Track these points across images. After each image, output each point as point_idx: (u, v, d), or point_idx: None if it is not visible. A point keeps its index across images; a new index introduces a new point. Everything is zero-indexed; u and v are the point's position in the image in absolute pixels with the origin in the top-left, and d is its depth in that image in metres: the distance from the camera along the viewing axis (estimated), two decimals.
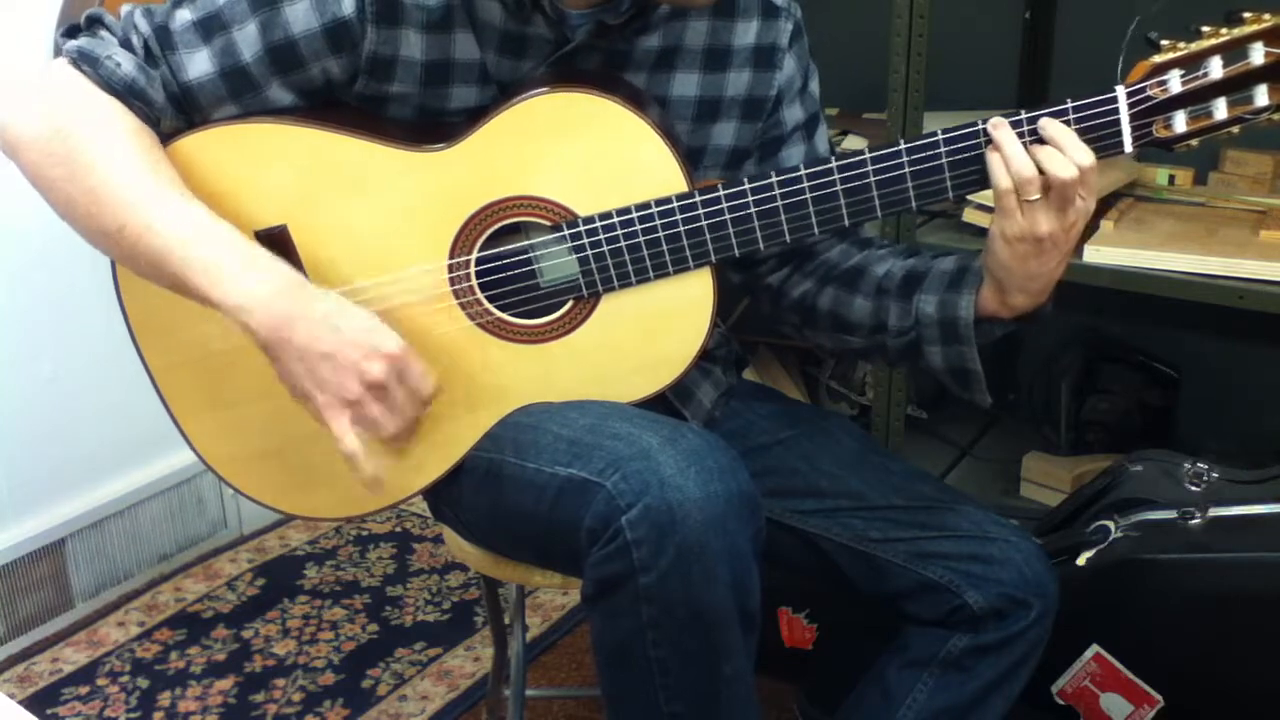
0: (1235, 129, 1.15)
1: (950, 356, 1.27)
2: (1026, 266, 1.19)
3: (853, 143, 2.12)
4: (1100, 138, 1.15)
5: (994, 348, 1.30)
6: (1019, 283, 1.21)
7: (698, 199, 1.22)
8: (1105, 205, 1.83)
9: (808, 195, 1.21)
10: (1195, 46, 1.13)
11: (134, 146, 1.16)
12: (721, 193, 1.22)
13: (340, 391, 1.14)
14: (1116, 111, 1.14)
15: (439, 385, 1.20)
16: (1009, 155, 1.14)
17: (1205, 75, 1.13)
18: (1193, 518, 1.56)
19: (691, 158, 1.30)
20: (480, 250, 1.25)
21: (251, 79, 1.20)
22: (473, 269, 1.25)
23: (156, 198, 1.14)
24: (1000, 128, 1.15)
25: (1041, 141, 1.15)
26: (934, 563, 1.32)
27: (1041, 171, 1.13)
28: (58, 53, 1.22)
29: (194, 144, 1.22)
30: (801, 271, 1.41)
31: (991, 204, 1.78)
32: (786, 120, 1.37)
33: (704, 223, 1.22)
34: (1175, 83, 1.14)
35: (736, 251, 1.24)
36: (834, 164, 1.20)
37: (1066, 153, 1.13)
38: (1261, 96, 1.13)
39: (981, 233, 1.76)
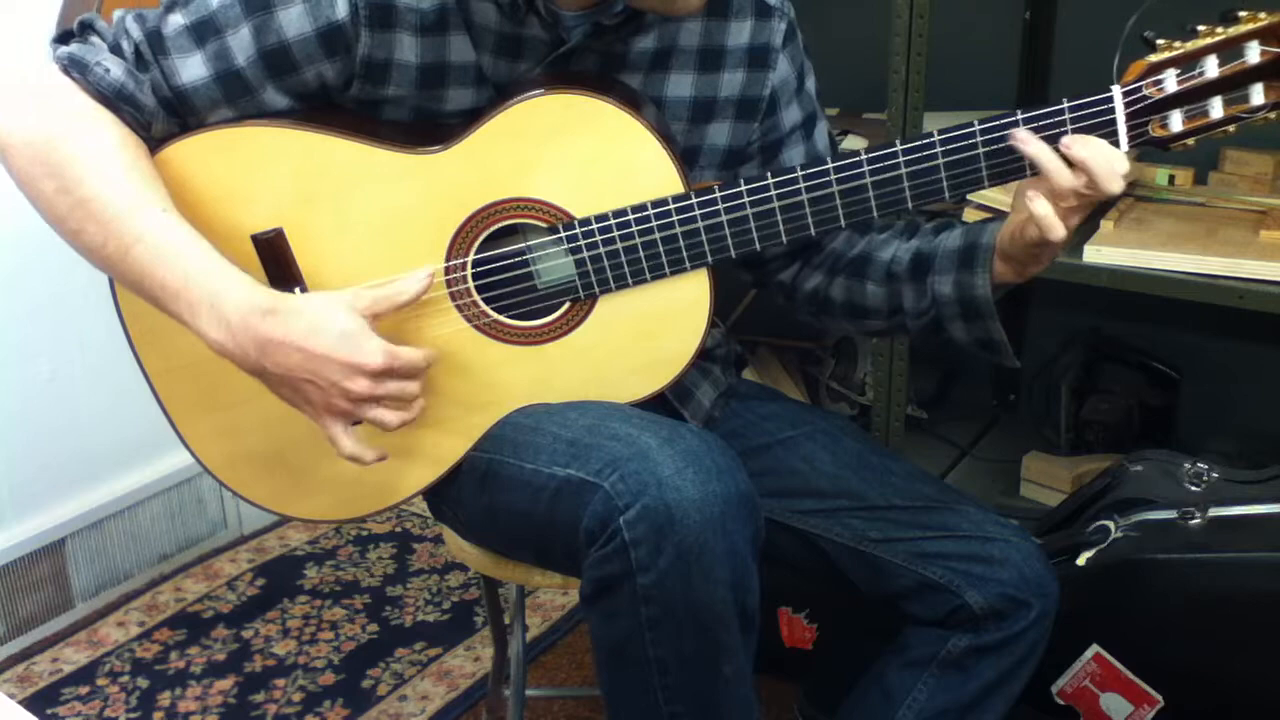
0: (1231, 128, 1.15)
1: (974, 330, 1.29)
2: (1053, 250, 1.22)
3: (853, 143, 2.12)
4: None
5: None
6: (1040, 260, 1.24)
7: (694, 200, 1.22)
8: (1105, 205, 1.83)
9: (804, 196, 1.21)
10: (1191, 45, 1.13)
11: (120, 160, 1.16)
12: (718, 194, 1.22)
13: (328, 408, 1.16)
14: (1112, 111, 1.14)
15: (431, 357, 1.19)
16: (1054, 178, 1.14)
17: (1201, 74, 1.13)
18: (1193, 518, 1.56)
19: (687, 158, 1.30)
20: (477, 252, 1.25)
21: (246, 83, 1.20)
22: (469, 271, 1.25)
23: (138, 216, 1.14)
24: (1029, 143, 1.15)
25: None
26: (934, 563, 1.32)
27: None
28: (51, 58, 1.22)
29: (189, 148, 1.22)
30: (810, 265, 1.41)
31: (992, 204, 1.79)
32: (784, 122, 1.38)
33: (700, 224, 1.22)
34: (1171, 82, 1.14)
35: (733, 253, 1.24)
36: (830, 165, 1.20)
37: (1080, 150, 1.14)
38: (1257, 95, 1.13)
39: None
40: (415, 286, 1.20)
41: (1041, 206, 1.15)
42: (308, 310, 1.14)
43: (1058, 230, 1.15)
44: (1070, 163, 1.13)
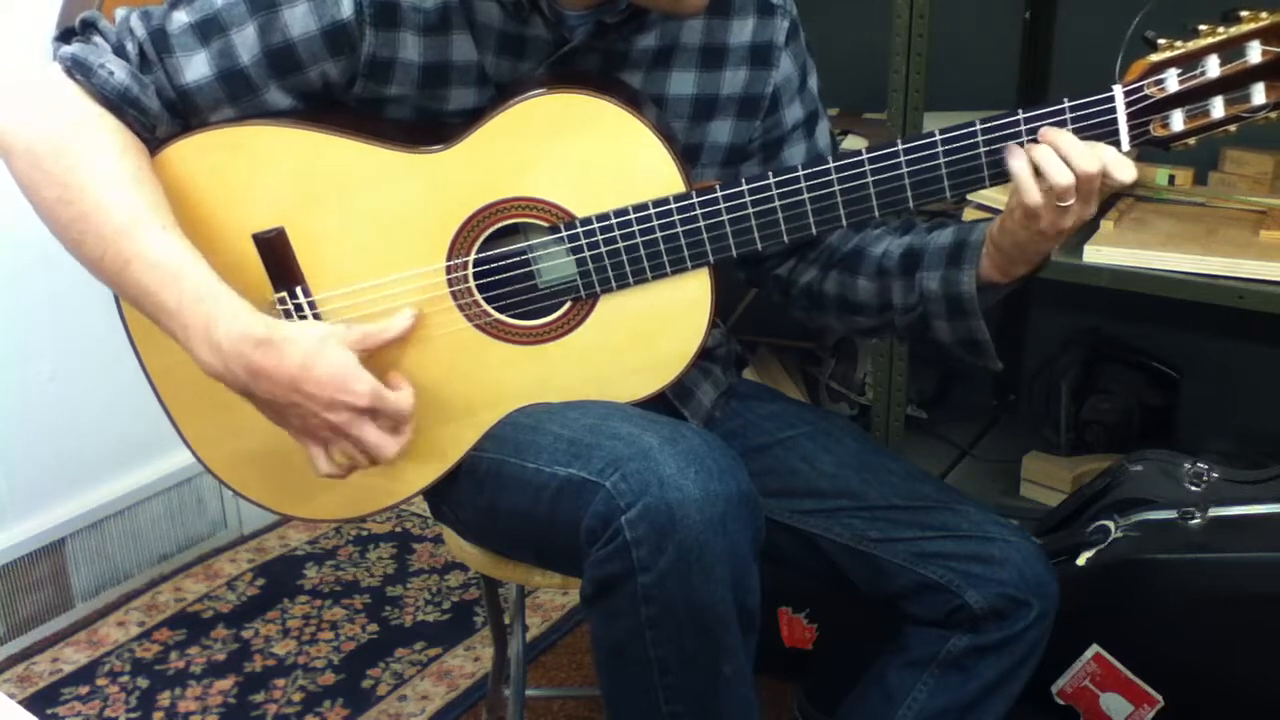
0: (1233, 127, 1.15)
1: (958, 330, 1.29)
2: (1039, 246, 1.22)
3: (853, 143, 2.12)
4: (1097, 137, 1.15)
5: (995, 347, 1.30)
6: (1027, 257, 1.23)
7: (695, 200, 1.22)
8: (1105, 205, 1.83)
9: (805, 196, 1.21)
10: (1192, 45, 1.13)
11: (122, 172, 1.16)
12: (719, 194, 1.22)
13: (310, 433, 1.18)
14: (1114, 110, 1.15)
15: (414, 411, 1.21)
16: (1050, 174, 1.14)
17: (1202, 74, 1.13)
18: (1193, 518, 1.56)
19: (688, 155, 1.30)
20: (478, 252, 1.25)
21: (250, 82, 1.20)
22: (470, 270, 1.25)
23: (137, 232, 1.14)
24: (1039, 144, 1.15)
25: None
26: (934, 563, 1.32)
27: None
28: (53, 57, 1.21)
29: (190, 148, 1.22)
30: (805, 260, 1.42)
31: (991, 204, 1.79)
32: (786, 120, 1.38)
33: (701, 224, 1.22)
34: (1172, 81, 1.14)
35: (734, 252, 1.24)
36: (831, 164, 1.20)
37: (1088, 154, 1.14)
38: (1259, 95, 1.13)
39: None
40: (400, 325, 1.23)
41: (1023, 177, 1.15)
42: (301, 342, 1.14)
43: (1032, 194, 1.14)
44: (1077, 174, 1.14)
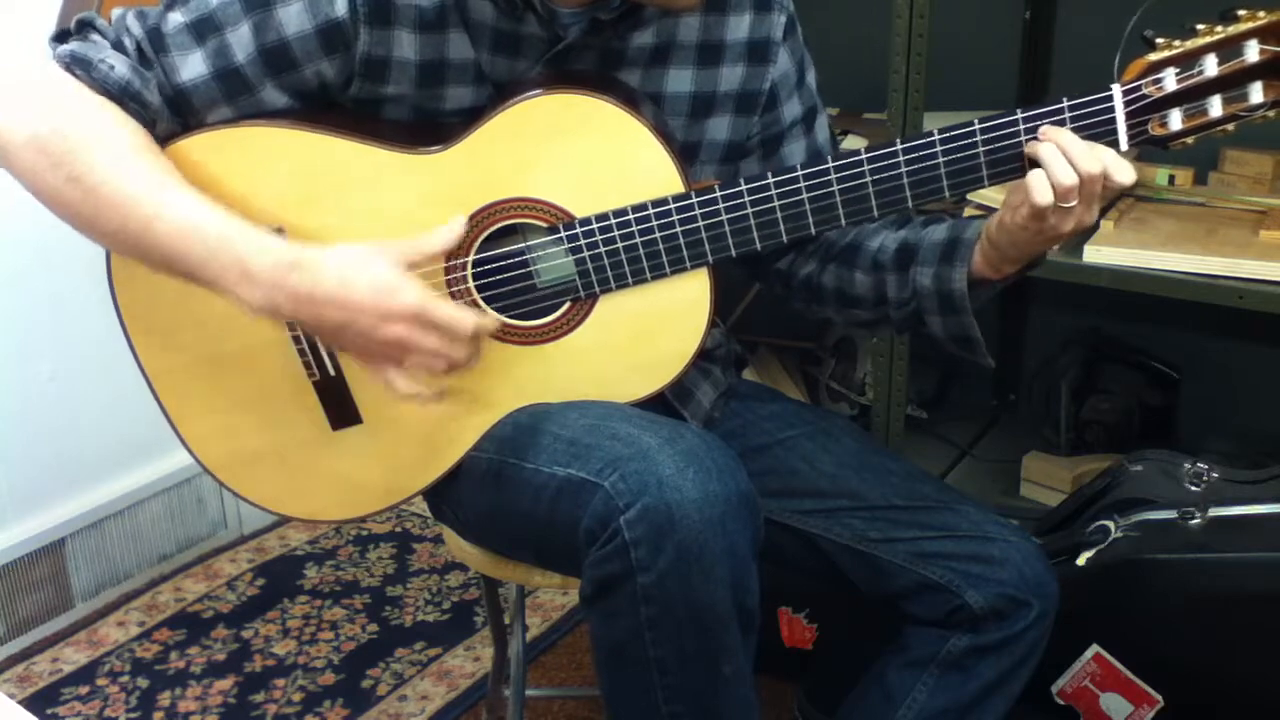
0: (1230, 126, 1.15)
1: (950, 326, 1.29)
2: (1036, 248, 1.22)
3: (853, 143, 2.12)
4: (1096, 136, 1.15)
5: (994, 347, 1.31)
6: (1022, 256, 1.23)
7: (694, 200, 1.22)
8: (1105, 205, 1.83)
9: (804, 196, 1.21)
10: (1190, 44, 1.13)
11: (132, 145, 1.16)
12: (718, 194, 1.22)
13: (369, 354, 1.16)
14: (1112, 110, 1.15)
15: (484, 324, 1.18)
16: (1055, 173, 1.14)
17: (1200, 73, 1.13)
18: (1193, 518, 1.56)
19: (686, 153, 1.30)
20: (477, 252, 1.25)
21: (245, 81, 1.20)
22: (469, 270, 1.25)
23: (156, 195, 1.14)
24: (1042, 141, 1.15)
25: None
26: (934, 563, 1.32)
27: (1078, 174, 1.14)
28: (51, 57, 1.21)
29: (189, 147, 1.22)
30: (804, 254, 1.42)
31: (990, 204, 1.79)
32: (785, 116, 1.38)
33: (700, 224, 1.22)
34: (1170, 81, 1.14)
35: (734, 252, 1.24)
36: (830, 165, 1.20)
37: (1089, 155, 1.14)
38: (1256, 94, 1.13)
39: None
40: (446, 235, 1.20)
41: (1036, 177, 1.14)
42: (333, 260, 1.14)
43: (1045, 194, 1.14)
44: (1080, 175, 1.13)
